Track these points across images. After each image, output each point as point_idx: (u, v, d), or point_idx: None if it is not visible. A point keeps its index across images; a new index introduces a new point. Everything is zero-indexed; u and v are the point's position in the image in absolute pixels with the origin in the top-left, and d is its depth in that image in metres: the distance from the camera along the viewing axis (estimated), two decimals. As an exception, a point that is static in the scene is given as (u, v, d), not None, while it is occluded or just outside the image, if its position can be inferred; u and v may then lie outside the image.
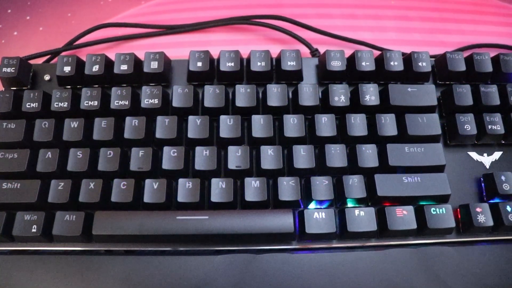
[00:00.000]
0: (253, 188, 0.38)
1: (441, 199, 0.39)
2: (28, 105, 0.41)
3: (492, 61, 0.43)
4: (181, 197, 0.38)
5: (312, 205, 0.38)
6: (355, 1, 0.59)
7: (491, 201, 0.40)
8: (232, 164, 0.39)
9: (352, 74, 0.43)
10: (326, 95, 0.42)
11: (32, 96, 0.41)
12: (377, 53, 0.44)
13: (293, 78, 0.43)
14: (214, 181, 0.38)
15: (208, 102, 0.41)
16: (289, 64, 0.42)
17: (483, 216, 0.38)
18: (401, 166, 0.39)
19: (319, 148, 0.40)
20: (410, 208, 0.38)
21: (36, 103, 0.41)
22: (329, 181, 0.38)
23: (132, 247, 0.38)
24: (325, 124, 0.40)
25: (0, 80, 0.43)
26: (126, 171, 0.39)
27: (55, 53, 0.51)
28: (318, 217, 0.37)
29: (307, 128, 0.41)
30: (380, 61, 0.43)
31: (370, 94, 0.41)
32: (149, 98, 0.41)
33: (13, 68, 0.42)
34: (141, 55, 0.43)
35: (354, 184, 0.38)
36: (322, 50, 0.47)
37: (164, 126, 0.40)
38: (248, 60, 0.43)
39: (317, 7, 0.58)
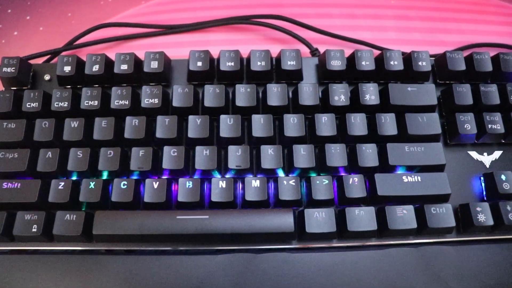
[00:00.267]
0: (253, 187, 0.38)
1: (441, 199, 0.39)
2: (28, 105, 0.41)
3: (492, 61, 0.43)
4: (181, 197, 0.38)
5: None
6: (355, 1, 0.59)
7: (491, 201, 0.40)
8: (232, 163, 0.39)
9: (352, 74, 0.43)
10: (326, 95, 0.42)
11: (32, 96, 0.41)
12: (377, 52, 0.44)
13: (293, 77, 0.43)
14: (214, 180, 0.38)
15: (208, 102, 0.41)
16: (289, 64, 0.42)
17: (483, 215, 0.38)
18: (401, 166, 0.39)
19: (319, 147, 0.40)
20: (410, 207, 0.38)
21: (36, 103, 0.41)
22: (329, 180, 0.38)
23: (133, 247, 0.38)
24: (325, 124, 0.40)
25: (0, 80, 0.43)
26: (127, 171, 0.39)
27: (55, 53, 0.51)
28: (318, 216, 0.37)
29: (307, 128, 0.41)
30: (380, 60, 0.43)
31: (370, 94, 0.41)
32: (149, 97, 0.41)
33: (13, 68, 0.42)
34: (141, 55, 0.43)
35: (354, 184, 0.38)
36: (322, 49, 0.47)
37: (164, 126, 0.40)
38: (248, 59, 0.43)
39: (317, 6, 0.58)
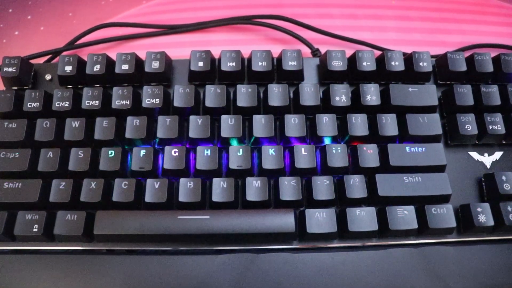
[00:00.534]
0: (254, 187, 0.38)
1: (442, 199, 0.39)
2: (29, 104, 0.41)
3: (493, 61, 0.43)
4: (182, 197, 0.38)
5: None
6: (355, 1, 0.59)
7: (492, 201, 0.40)
8: (234, 163, 0.39)
9: (353, 74, 0.43)
10: (327, 95, 0.42)
11: (33, 96, 0.41)
12: (378, 53, 0.44)
13: (294, 78, 0.43)
14: (215, 180, 0.38)
15: (209, 102, 0.41)
16: (290, 64, 0.42)
17: (483, 216, 0.38)
18: (402, 166, 0.39)
19: (320, 148, 0.40)
20: (411, 208, 0.38)
21: (37, 103, 0.41)
22: (330, 181, 0.39)
23: (133, 247, 0.38)
24: (326, 124, 0.40)
25: (2, 80, 0.43)
26: (128, 171, 0.39)
27: (56, 52, 0.51)
28: (319, 216, 0.37)
29: (308, 128, 0.41)
30: (381, 61, 0.43)
31: (371, 94, 0.41)
32: (150, 97, 0.41)
33: (14, 68, 0.42)
34: (142, 55, 0.43)
35: (355, 184, 0.38)
36: (323, 50, 0.47)
37: (165, 126, 0.40)
38: (249, 60, 0.43)
39: (318, 7, 0.58)
